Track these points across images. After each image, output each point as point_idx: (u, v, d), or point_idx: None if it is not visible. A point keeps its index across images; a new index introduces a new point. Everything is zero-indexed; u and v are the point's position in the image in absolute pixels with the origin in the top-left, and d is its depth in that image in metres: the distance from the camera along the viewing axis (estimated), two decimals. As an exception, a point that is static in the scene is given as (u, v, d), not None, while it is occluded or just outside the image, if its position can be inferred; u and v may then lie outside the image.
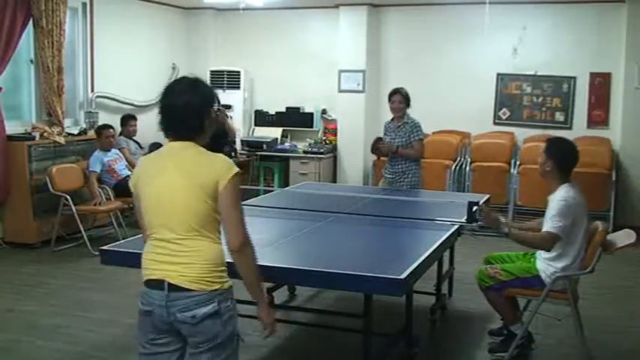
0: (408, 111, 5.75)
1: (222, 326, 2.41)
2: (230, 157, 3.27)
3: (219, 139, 6.50)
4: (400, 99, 5.68)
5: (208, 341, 2.40)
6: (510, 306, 4.01)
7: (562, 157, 3.83)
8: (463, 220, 4.06)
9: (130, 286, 5.19)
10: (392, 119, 5.82)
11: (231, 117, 6.88)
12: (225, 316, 2.41)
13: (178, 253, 2.40)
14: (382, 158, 6.06)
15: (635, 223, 6.08)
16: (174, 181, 2.41)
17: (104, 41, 7.65)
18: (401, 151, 5.68)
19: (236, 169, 2.42)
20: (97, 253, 5.37)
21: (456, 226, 4.00)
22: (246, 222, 2.44)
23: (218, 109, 7.38)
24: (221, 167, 2.40)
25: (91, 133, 7.17)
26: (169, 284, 2.38)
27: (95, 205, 6.51)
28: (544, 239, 3.75)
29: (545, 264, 3.80)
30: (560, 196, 3.73)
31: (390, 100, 5.77)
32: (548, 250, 3.77)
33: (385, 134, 5.83)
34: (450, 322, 4.70)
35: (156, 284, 2.42)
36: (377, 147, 5.87)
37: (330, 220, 4.23)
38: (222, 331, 2.41)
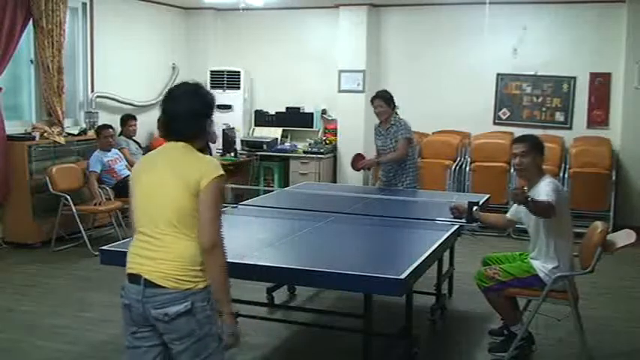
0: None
1: (198, 325, 2.42)
2: None
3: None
4: (381, 103, 5.63)
5: (182, 339, 2.42)
6: (510, 306, 4.01)
7: (540, 149, 3.89)
8: (463, 220, 4.07)
9: (130, 286, 5.21)
10: (380, 123, 5.78)
11: (212, 120, 6.81)
12: (201, 316, 2.42)
13: (158, 248, 2.45)
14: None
15: (635, 223, 6.07)
16: (161, 177, 2.48)
17: (104, 41, 7.65)
18: (383, 159, 5.67)
19: (221, 172, 2.45)
20: (97, 253, 5.38)
21: (456, 226, 4.01)
22: (221, 225, 2.45)
23: None
24: (207, 167, 2.45)
25: (91, 133, 7.17)
26: (145, 280, 2.42)
27: (95, 205, 6.50)
28: (547, 206, 3.63)
29: (542, 263, 3.81)
30: (547, 182, 3.77)
31: (372, 105, 5.74)
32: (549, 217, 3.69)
33: (376, 138, 5.78)
34: (450, 322, 4.70)
35: (134, 278, 2.46)
36: (358, 166, 5.91)
37: (330, 220, 4.23)
38: (197, 330, 2.42)
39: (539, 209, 3.66)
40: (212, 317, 2.46)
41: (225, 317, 2.48)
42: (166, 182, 2.46)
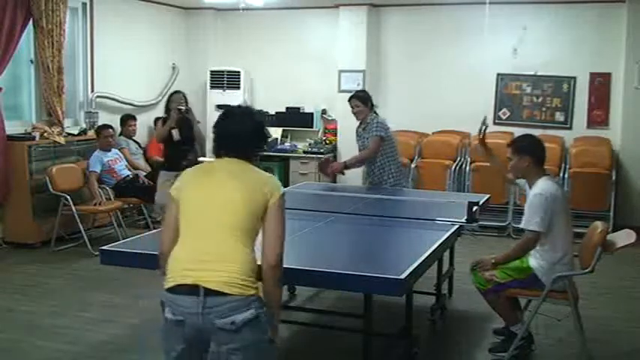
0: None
1: (262, 332, 2.42)
2: (196, 163, 3.39)
3: (184, 145, 6.47)
4: (356, 103, 5.60)
5: (245, 348, 2.37)
6: (510, 307, 4.01)
7: (535, 150, 3.89)
8: (463, 220, 4.06)
9: (130, 286, 5.21)
10: (360, 123, 5.78)
11: (199, 122, 6.81)
12: (263, 323, 2.42)
13: (216, 257, 2.41)
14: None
15: (635, 223, 6.07)
16: (225, 187, 2.51)
17: (104, 41, 7.65)
18: (349, 163, 5.69)
19: (282, 190, 2.56)
20: (97, 253, 5.38)
21: (456, 226, 4.00)
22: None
23: (186, 109, 7.25)
24: (273, 184, 2.54)
25: (91, 133, 7.17)
26: (205, 289, 2.35)
27: (95, 205, 6.51)
28: (525, 242, 3.81)
29: (537, 262, 3.81)
30: (536, 190, 3.78)
31: (350, 106, 5.71)
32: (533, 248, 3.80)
33: (357, 139, 5.75)
34: (450, 322, 4.70)
35: (188, 290, 2.37)
36: (326, 171, 5.89)
37: (330, 220, 4.23)
38: (260, 338, 2.42)
39: (520, 254, 3.80)
40: (269, 323, 2.48)
41: (274, 326, 2.54)
42: (230, 193, 2.49)
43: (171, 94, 6.62)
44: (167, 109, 6.51)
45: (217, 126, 2.66)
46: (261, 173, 2.59)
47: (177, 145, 6.40)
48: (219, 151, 2.63)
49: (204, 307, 2.34)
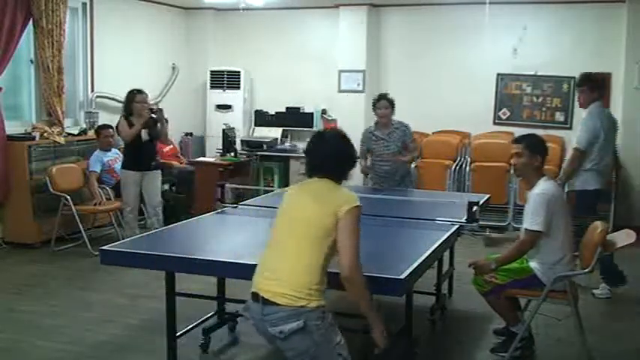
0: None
1: (314, 343, 2.53)
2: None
3: (151, 143, 6.37)
4: (387, 104, 5.65)
5: (301, 355, 2.54)
6: (511, 307, 4.01)
7: (545, 151, 3.89)
8: (463, 220, 4.06)
9: (130, 286, 5.22)
10: (376, 126, 5.75)
11: (167, 120, 6.73)
12: (316, 334, 2.53)
13: (280, 264, 2.59)
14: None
15: (635, 223, 6.08)
16: (304, 205, 2.73)
17: (104, 41, 7.65)
18: (404, 158, 5.72)
19: (358, 203, 2.68)
20: (97, 253, 5.37)
21: (456, 226, 4.00)
22: (359, 252, 2.61)
23: (158, 109, 7.17)
24: (346, 198, 2.69)
25: (91, 133, 7.18)
26: (263, 298, 2.55)
27: (95, 205, 6.51)
28: (525, 242, 3.79)
29: (537, 262, 3.81)
30: (539, 190, 3.77)
31: (375, 106, 5.70)
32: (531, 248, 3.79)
33: (373, 142, 5.74)
34: (450, 322, 4.70)
35: (254, 296, 2.60)
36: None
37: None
38: (312, 347, 2.53)
39: (519, 255, 3.80)
40: (329, 335, 2.58)
41: (376, 332, 2.69)
42: (306, 206, 2.70)
43: (133, 94, 6.25)
44: (128, 109, 6.22)
45: (310, 149, 2.90)
46: (341, 191, 2.75)
47: (145, 144, 6.31)
48: (311, 172, 2.85)
49: (262, 315, 2.54)
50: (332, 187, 2.77)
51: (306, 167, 2.89)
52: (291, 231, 2.67)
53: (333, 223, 2.61)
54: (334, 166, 2.81)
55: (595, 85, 5.22)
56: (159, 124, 6.34)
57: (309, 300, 2.53)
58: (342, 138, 2.89)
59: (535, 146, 3.87)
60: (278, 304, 2.52)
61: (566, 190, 5.28)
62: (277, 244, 2.68)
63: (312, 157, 2.89)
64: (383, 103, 5.64)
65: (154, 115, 6.25)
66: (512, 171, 7.35)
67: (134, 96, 6.21)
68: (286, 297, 2.52)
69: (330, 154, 2.83)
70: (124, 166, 6.34)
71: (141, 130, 6.15)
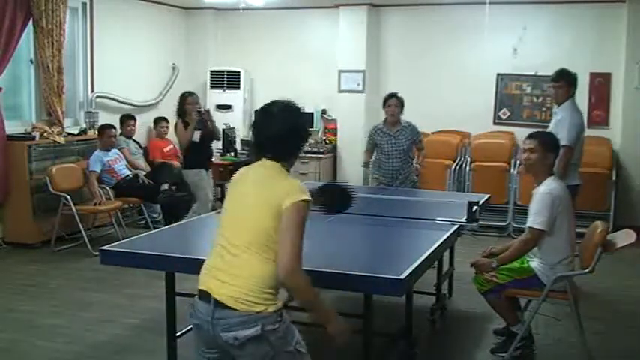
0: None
1: (271, 348, 2.34)
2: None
3: (204, 144, 6.48)
4: (397, 103, 5.74)
5: None
6: (511, 307, 4.01)
7: (551, 148, 3.88)
8: (463, 220, 4.06)
9: (130, 286, 5.22)
10: (384, 125, 5.80)
11: (214, 120, 6.84)
12: (273, 338, 2.33)
13: (231, 267, 2.37)
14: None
15: (635, 223, 6.08)
16: (247, 193, 2.46)
17: (104, 41, 7.65)
18: (423, 161, 6.02)
19: (306, 196, 2.38)
20: (97, 253, 5.37)
21: (456, 226, 4.00)
22: (302, 249, 2.36)
23: (206, 110, 7.27)
24: (290, 190, 2.38)
25: (91, 133, 7.18)
26: (215, 300, 2.33)
27: (95, 205, 6.51)
28: (527, 240, 3.79)
29: (538, 262, 3.81)
30: (546, 189, 3.76)
31: (385, 104, 5.77)
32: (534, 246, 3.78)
33: (381, 139, 5.80)
34: (450, 322, 4.70)
35: (204, 295, 2.38)
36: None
37: (330, 220, 4.22)
38: (270, 352, 2.34)
39: (521, 254, 3.80)
40: (285, 338, 2.38)
41: (332, 326, 2.49)
42: (250, 199, 2.42)
43: (185, 96, 6.43)
44: (182, 111, 6.37)
45: (255, 126, 2.54)
46: (287, 179, 2.46)
47: (199, 145, 6.38)
48: (257, 153, 2.51)
49: (212, 317, 2.33)
50: (275, 175, 2.45)
51: (250, 147, 2.54)
52: (237, 230, 2.41)
53: (278, 220, 2.34)
54: (284, 145, 2.48)
55: (572, 81, 5.20)
56: (209, 124, 6.43)
57: (267, 305, 2.32)
58: (292, 111, 2.57)
59: (549, 144, 3.86)
60: (233, 309, 2.30)
61: None
62: (226, 243, 2.42)
63: (257, 135, 2.52)
64: (393, 101, 5.75)
65: (203, 117, 6.36)
66: (512, 171, 7.41)
67: (186, 98, 6.34)
68: (241, 302, 2.30)
69: (278, 131, 2.47)
70: (192, 167, 6.43)
71: (193, 131, 6.24)
